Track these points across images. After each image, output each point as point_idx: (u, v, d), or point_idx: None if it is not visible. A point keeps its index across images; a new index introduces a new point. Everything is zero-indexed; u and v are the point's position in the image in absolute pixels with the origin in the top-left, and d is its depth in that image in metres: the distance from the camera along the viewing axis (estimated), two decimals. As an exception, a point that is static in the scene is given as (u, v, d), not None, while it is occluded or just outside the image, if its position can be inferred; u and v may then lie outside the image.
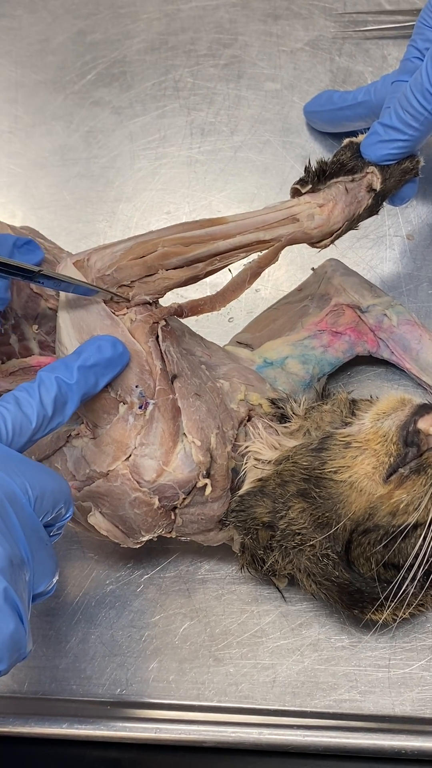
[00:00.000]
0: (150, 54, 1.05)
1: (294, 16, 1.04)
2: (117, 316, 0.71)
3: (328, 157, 0.78)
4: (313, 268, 0.90)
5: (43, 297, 0.80)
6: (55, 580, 0.62)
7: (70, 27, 1.07)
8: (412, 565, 0.70)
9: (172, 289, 0.72)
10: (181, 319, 0.77)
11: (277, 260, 0.75)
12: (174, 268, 0.72)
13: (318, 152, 0.99)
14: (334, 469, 0.71)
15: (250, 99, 1.02)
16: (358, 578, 0.73)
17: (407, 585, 0.71)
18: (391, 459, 0.70)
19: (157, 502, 0.72)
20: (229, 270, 0.75)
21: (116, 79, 1.05)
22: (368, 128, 0.80)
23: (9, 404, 0.63)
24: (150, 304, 0.72)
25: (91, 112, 1.04)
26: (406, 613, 0.75)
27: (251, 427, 0.77)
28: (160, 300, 0.74)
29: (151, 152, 1.02)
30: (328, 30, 1.04)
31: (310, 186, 0.76)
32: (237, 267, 0.75)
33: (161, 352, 0.72)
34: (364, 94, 0.89)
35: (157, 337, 0.72)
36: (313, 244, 0.77)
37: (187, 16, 1.06)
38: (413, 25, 0.82)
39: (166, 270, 0.72)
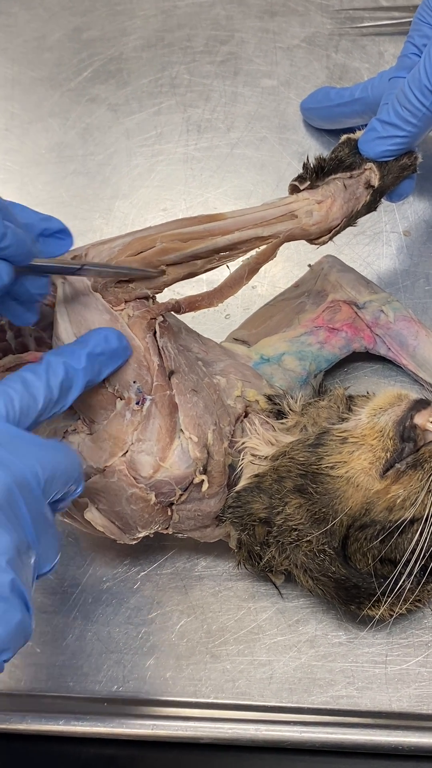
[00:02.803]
0: (146, 51, 1.05)
1: (290, 13, 1.05)
2: (115, 311, 0.71)
3: (324, 153, 0.78)
4: (309, 265, 0.90)
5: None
6: (57, 558, 0.62)
7: (66, 24, 1.07)
8: (408, 561, 0.70)
9: (171, 284, 0.72)
10: (177, 316, 0.77)
11: (274, 257, 0.75)
12: (172, 264, 0.72)
13: (315, 149, 0.99)
14: (331, 464, 0.71)
15: (247, 96, 1.02)
16: (354, 574, 0.73)
17: (404, 580, 0.71)
18: (388, 454, 0.70)
19: (153, 498, 0.72)
20: (227, 266, 0.75)
21: (113, 76, 1.05)
22: (365, 125, 0.80)
23: (16, 384, 0.63)
24: (147, 299, 0.72)
25: (87, 109, 1.04)
26: (403, 609, 0.75)
27: (248, 423, 0.77)
28: (157, 296, 0.74)
29: (147, 149, 1.02)
30: (325, 26, 1.04)
31: (309, 183, 0.76)
32: (234, 264, 0.75)
33: (159, 348, 0.72)
34: (361, 91, 0.89)
35: (155, 332, 0.72)
36: (311, 241, 0.77)
37: (183, 13, 1.06)
38: (410, 21, 0.82)
39: (166, 266, 0.72)
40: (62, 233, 0.69)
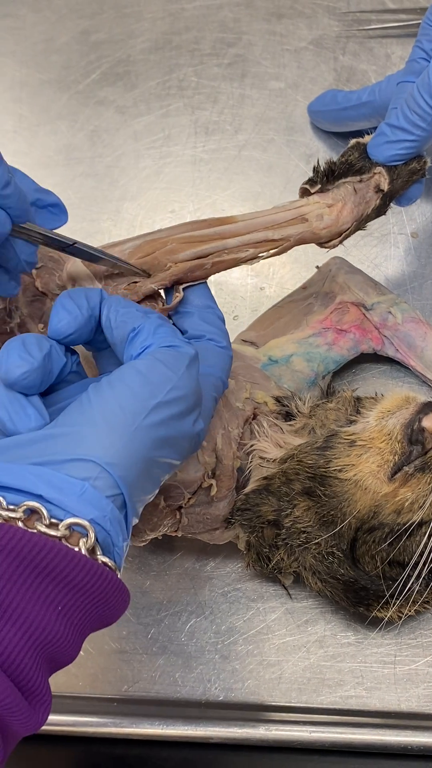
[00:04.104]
0: (154, 53, 1.05)
1: (298, 15, 1.05)
2: None
3: (331, 156, 0.79)
4: (317, 266, 0.90)
5: (48, 296, 0.80)
6: None
7: (74, 27, 1.07)
8: (417, 563, 0.71)
9: (178, 277, 0.72)
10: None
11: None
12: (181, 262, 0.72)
13: (322, 151, 0.99)
14: (339, 467, 0.71)
15: (254, 98, 1.03)
16: (363, 576, 0.73)
17: (412, 582, 0.71)
18: (396, 457, 0.70)
19: (162, 502, 0.73)
20: (248, 263, 0.74)
21: (120, 78, 1.05)
22: (374, 128, 0.80)
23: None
24: (155, 298, 0.72)
25: (95, 111, 1.04)
26: (412, 611, 0.75)
27: (256, 426, 0.77)
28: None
29: (155, 151, 1.02)
30: (332, 29, 1.04)
31: (319, 186, 0.76)
32: (239, 269, 0.75)
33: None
34: (369, 95, 0.89)
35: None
36: (321, 244, 0.77)
37: (191, 16, 1.06)
38: (417, 23, 0.82)
39: (174, 264, 0.72)
40: (56, 207, 0.66)
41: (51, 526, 0.52)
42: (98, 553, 0.53)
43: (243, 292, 0.94)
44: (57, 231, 0.66)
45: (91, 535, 0.53)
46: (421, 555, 0.70)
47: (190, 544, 0.85)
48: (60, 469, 0.53)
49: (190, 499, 0.73)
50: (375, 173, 0.78)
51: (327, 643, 0.81)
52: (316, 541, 0.73)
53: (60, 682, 0.82)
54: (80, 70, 1.06)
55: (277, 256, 0.76)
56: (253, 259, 0.74)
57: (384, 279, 0.93)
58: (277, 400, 0.79)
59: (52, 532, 0.52)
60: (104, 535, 0.54)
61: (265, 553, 0.77)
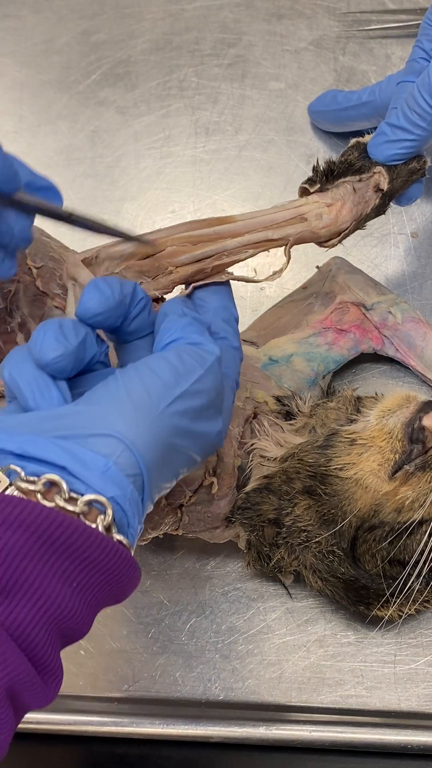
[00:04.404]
0: (154, 54, 1.06)
1: (298, 16, 1.05)
2: None
3: (332, 156, 0.79)
4: (317, 266, 0.90)
5: (49, 296, 0.80)
6: None
7: (74, 27, 1.08)
8: (417, 562, 0.71)
9: (180, 284, 0.73)
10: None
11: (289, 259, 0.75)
12: (182, 266, 0.72)
13: (322, 151, 0.99)
14: (340, 466, 0.71)
15: (255, 98, 1.03)
16: (363, 575, 0.74)
17: (413, 581, 0.71)
18: (397, 456, 0.71)
19: (163, 500, 0.73)
20: (255, 270, 0.75)
21: (121, 78, 1.05)
22: (373, 128, 0.80)
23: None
24: (157, 302, 0.73)
25: (95, 111, 1.04)
26: (412, 609, 0.75)
27: (257, 425, 0.77)
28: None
29: (155, 151, 1.02)
30: (332, 29, 1.04)
31: (319, 185, 0.76)
32: (240, 267, 0.75)
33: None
34: (369, 95, 0.89)
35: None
36: (320, 244, 0.77)
37: (191, 16, 1.07)
38: (417, 24, 0.83)
39: (175, 267, 0.72)
40: (49, 191, 0.63)
41: (70, 501, 0.52)
42: (114, 531, 0.53)
43: (243, 292, 0.94)
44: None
45: (109, 513, 0.53)
46: (421, 554, 0.70)
47: (191, 543, 0.85)
48: (84, 444, 0.53)
49: (191, 497, 0.73)
50: (375, 173, 0.78)
51: (327, 642, 0.81)
52: (317, 539, 0.73)
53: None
54: (81, 70, 1.06)
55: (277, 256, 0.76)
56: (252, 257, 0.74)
57: (384, 279, 0.93)
58: (278, 399, 0.79)
59: (70, 507, 0.52)
60: (121, 514, 0.54)
61: (266, 552, 0.77)
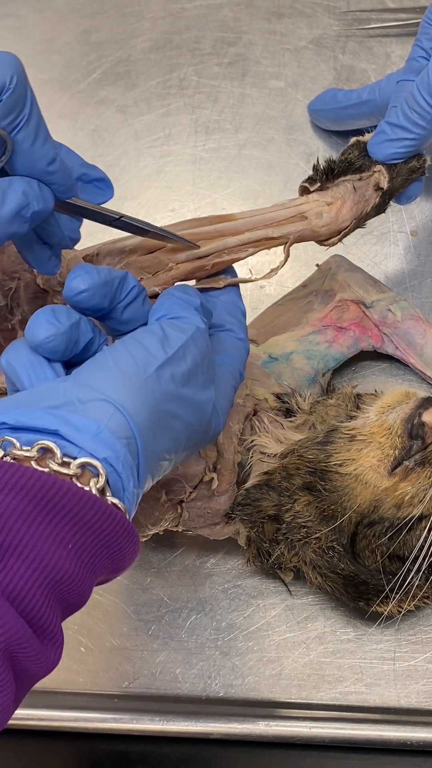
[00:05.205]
0: (155, 53, 1.06)
1: (298, 15, 1.05)
2: None
3: (331, 154, 0.79)
4: (317, 264, 0.91)
5: (49, 293, 0.80)
6: None
7: (75, 26, 1.08)
8: (417, 557, 0.71)
9: (179, 280, 0.73)
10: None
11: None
12: (182, 263, 0.72)
13: (322, 149, 1.00)
14: (340, 462, 0.72)
15: (255, 97, 1.03)
16: (363, 570, 0.74)
17: (412, 577, 0.72)
18: (396, 451, 0.71)
19: (163, 496, 0.73)
20: (250, 271, 0.75)
21: (121, 77, 1.05)
22: (373, 126, 0.80)
23: None
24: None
25: (96, 110, 1.04)
26: (411, 605, 0.75)
27: (257, 422, 0.77)
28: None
29: (155, 150, 1.02)
30: (332, 28, 1.04)
31: (319, 184, 0.76)
32: (238, 266, 0.75)
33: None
34: (369, 93, 0.89)
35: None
36: (320, 242, 0.78)
37: (191, 15, 1.07)
38: (417, 22, 0.83)
39: (176, 264, 0.72)
40: (102, 182, 0.68)
41: (63, 465, 0.53)
42: (108, 494, 0.54)
43: (243, 291, 0.93)
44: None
45: (102, 474, 0.54)
46: (421, 549, 0.70)
47: (191, 540, 0.85)
48: (76, 411, 0.55)
49: (191, 493, 0.73)
50: (374, 171, 0.78)
51: (327, 639, 0.82)
52: (317, 535, 0.73)
53: (61, 678, 0.82)
54: (81, 69, 1.06)
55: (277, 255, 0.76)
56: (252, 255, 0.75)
57: (384, 277, 0.93)
58: (278, 396, 0.79)
59: (64, 471, 0.53)
60: (115, 477, 0.55)
61: (266, 549, 0.77)
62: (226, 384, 0.66)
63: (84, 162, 0.68)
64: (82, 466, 0.53)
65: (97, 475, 0.53)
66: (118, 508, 0.54)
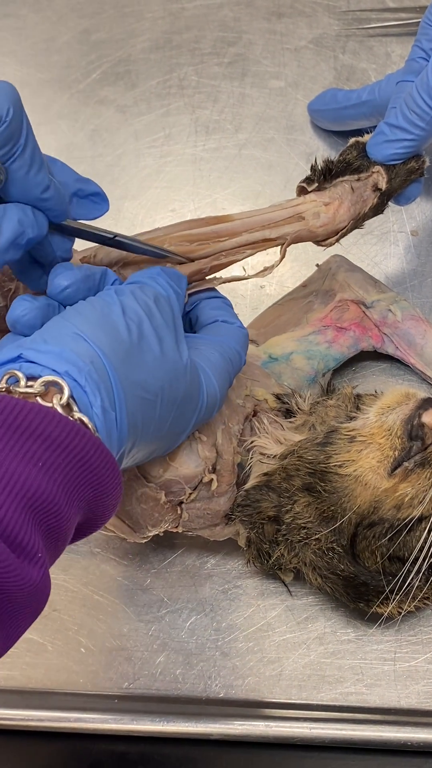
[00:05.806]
0: (154, 53, 1.06)
1: (298, 14, 1.05)
2: None
3: (331, 154, 0.79)
4: (317, 265, 0.90)
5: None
6: None
7: (74, 26, 1.08)
8: (417, 558, 0.71)
9: None
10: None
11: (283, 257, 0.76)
12: (179, 265, 0.72)
13: (322, 149, 1.00)
14: (339, 463, 0.72)
15: (255, 97, 1.03)
16: (363, 571, 0.74)
17: (412, 578, 0.72)
18: (396, 453, 0.71)
19: (163, 497, 0.73)
20: (243, 269, 0.75)
21: (121, 77, 1.05)
22: (372, 127, 0.80)
23: None
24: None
25: (96, 110, 1.04)
26: (412, 606, 0.75)
27: (257, 422, 0.77)
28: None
29: (155, 150, 1.02)
30: (332, 28, 1.04)
31: (317, 185, 0.76)
32: (238, 267, 0.75)
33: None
34: (369, 94, 0.89)
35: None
36: (318, 243, 0.78)
37: (191, 15, 1.07)
38: (417, 22, 0.83)
39: (173, 266, 0.72)
40: (97, 197, 0.69)
41: (28, 387, 0.55)
42: (75, 410, 0.55)
43: (243, 291, 0.94)
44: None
45: (65, 387, 0.55)
46: (420, 550, 0.70)
47: (191, 541, 0.85)
48: (41, 344, 0.57)
49: (191, 494, 0.73)
50: (373, 172, 0.78)
51: (327, 640, 0.82)
52: (317, 536, 0.73)
53: (61, 679, 0.82)
54: (81, 69, 1.06)
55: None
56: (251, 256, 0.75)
57: (384, 277, 0.93)
58: (278, 397, 0.79)
59: (30, 391, 0.54)
60: (80, 392, 0.56)
61: (266, 550, 0.77)
62: (213, 352, 0.67)
63: (79, 177, 0.68)
64: (46, 384, 0.54)
65: (62, 391, 0.54)
66: (84, 423, 0.55)
